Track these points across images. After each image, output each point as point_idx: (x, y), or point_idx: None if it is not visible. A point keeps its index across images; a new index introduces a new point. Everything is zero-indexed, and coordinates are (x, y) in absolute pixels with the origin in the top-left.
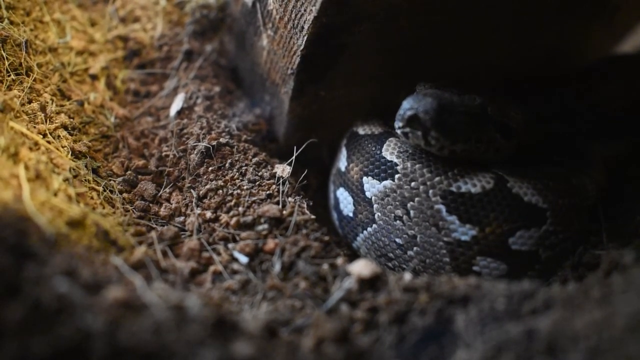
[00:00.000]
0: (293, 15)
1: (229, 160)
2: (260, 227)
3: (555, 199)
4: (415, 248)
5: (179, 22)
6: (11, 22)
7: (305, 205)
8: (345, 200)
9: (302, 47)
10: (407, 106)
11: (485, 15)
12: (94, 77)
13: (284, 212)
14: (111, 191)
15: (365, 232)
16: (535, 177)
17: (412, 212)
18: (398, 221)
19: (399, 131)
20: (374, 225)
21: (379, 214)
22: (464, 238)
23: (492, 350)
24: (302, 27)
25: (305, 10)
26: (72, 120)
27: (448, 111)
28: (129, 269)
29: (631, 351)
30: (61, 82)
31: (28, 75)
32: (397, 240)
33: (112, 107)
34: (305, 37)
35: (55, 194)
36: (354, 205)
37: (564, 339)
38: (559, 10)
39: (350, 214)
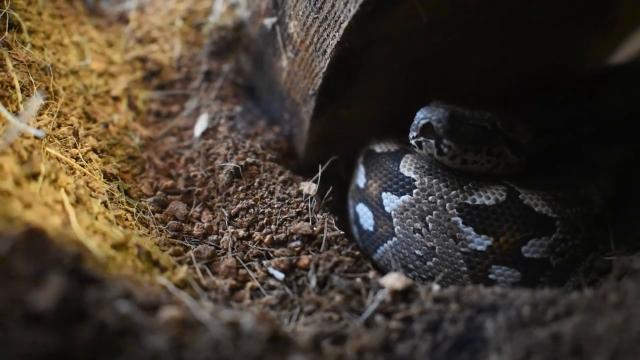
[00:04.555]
0: (315, 39)
1: (257, 180)
2: (293, 244)
3: (564, 209)
4: (434, 259)
5: (196, 42)
6: (33, 46)
7: (333, 222)
8: (365, 215)
9: (324, 69)
10: (421, 116)
11: (496, 32)
12: (116, 99)
13: (315, 228)
14: (144, 212)
15: (385, 245)
16: (545, 188)
17: (430, 225)
18: (417, 234)
19: (413, 141)
20: (394, 239)
21: (399, 228)
22: (479, 248)
23: (522, 354)
24: (325, 51)
25: (328, 35)
26: (99, 142)
27: (459, 121)
28: (176, 288)
29: None
30: (86, 104)
31: (54, 99)
32: (417, 252)
33: (136, 128)
34: (328, 61)
35: (96, 218)
36: (374, 219)
37: (588, 342)
38: (562, 24)
39: (371, 228)
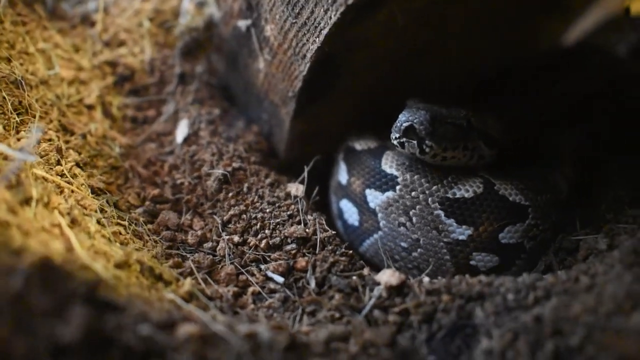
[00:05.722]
0: (294, 44)
1: (245, 185)
2: (288, 247)
3: (535, 196)
4: (419, 250)
5: (166, 43)
6: None
7: (324, 222)
8: (349, 211)
9: (304, 73)
10: (404, 119)
11: (464, 27)
12: (90, 107)
13: (308, 230)
14: (136, 224)
15: (371, 238)
16: (517, 177)
17: (414, 219)
18: (402, 227)
19: (395, 142)
20: (380, 232)
21: (384, 222)
22: (461, 237)
23: (510, 336)
24: (305, 55)
25: (307, 41)
26: (81, 155)
27: (439, 122)
28: (184, 301)
29: (619, 324)
30: (61, 116)
31: (29, 115)
32: (402, 244)
33: (115, 136)
34: (308, 65)
35: (94, 237)
36: (359, 215)
37: (566, 322)
38: (524, 10)
39: (356, 223)
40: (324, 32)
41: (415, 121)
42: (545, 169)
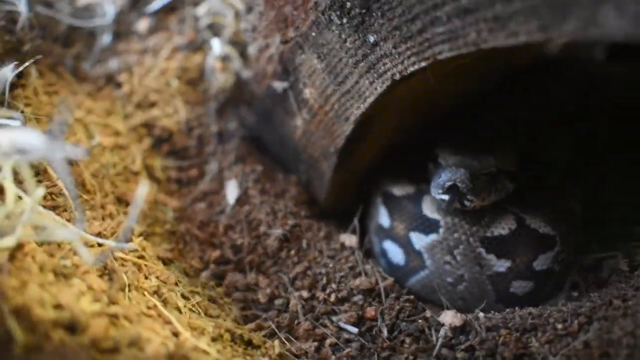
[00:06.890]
0: (336, 107)
1: (303, 241)
2: (355, 298)
3: (560, 226)
4: (464, 283)
5: (197, 101)
6: None
7: (382, 270)
8: (394, 251)
9: (347, 133)
10: (446, 178)
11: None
12: (136, 173)
13: (371, 280)
14: (207, 288)
15: (417, 276)
16: (543, 209)
17: (458, 257)
18: (447, 265)
19: (437, 196)
20: (426, 270)
21: (430, 262)
22: (501, 270)
23: None
24: (348, 118)
25: (351, 106)
26: (140, 226)
27: (476, 176)
28: None
29: None
30: (114, 188)
31: (86, 191)
32: (448, 279)
33: (165, 200)
34: (352, 126)
35: (184, 312)
36: (405, 255)
37: (611, 345)
38: None
39: (402, 263)
40: (369, 100)
41: (457, 181)
42: (562, 195)
